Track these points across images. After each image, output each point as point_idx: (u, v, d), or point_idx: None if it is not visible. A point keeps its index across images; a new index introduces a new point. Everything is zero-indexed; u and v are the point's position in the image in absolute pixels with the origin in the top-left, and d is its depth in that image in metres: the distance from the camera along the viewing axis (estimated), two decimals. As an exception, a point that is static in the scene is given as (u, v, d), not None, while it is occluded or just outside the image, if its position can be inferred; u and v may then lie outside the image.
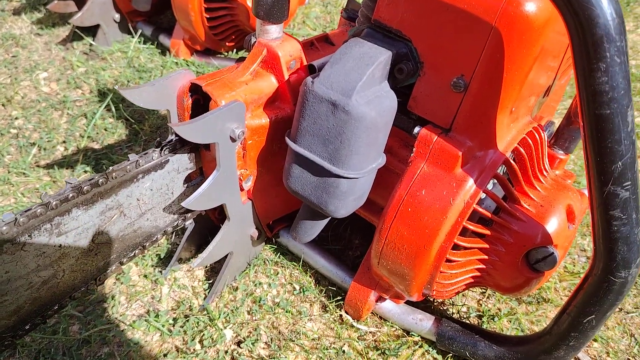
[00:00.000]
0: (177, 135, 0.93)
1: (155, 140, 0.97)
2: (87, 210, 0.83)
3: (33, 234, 0.76)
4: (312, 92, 0.85)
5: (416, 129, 0.90)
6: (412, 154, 0.90)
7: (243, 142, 0.96)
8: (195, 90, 0.96)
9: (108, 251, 0.91)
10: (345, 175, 0.86)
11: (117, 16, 1.84)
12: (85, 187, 0.80)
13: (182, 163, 0.97)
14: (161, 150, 0.91)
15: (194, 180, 1.03)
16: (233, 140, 0.92)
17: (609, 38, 0.63)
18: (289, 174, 0.92)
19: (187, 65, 1.81)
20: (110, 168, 0.84)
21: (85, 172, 1.44)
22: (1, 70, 1.81)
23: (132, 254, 0.97)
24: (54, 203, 0.77)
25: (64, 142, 1.56)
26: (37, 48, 1.90)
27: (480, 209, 0.87)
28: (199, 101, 0.98)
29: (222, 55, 1.85)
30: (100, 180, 0.82)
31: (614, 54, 0.63)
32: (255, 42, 0.97)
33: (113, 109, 1.63)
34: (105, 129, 1.59)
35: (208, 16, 1.65)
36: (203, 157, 1.00)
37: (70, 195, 0.78)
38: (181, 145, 0.94)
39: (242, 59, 1.68)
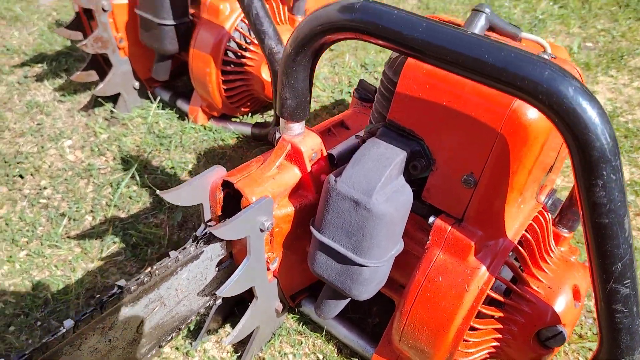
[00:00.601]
0: (211, 227, 1.01)
1: (192, 235, 1.05)
2: (134, 306, 0.91)
3: (88, 334, 0.84)
4: (336, 190, 0.93)
5: (431, 219, 0.98)
6: (428, 241, 0.98)
7: (271, 231, 1.03)
8: (226, 184, 1.04)
9: (149, 338, 0.99)
10: (367, 265, 0.94)
11: (136, 84, 1.94)
12: (132, 287, 0.88)
13: (215, 251, 1.05)
14: (197, 243, 0.99)
15: (224, 264, 1.10)
16: (262, 230, 1.00)
17: (605, 159, 0.71)
18: (314, 260, 1.00)
19: (205, 129, 1.90)
20: (154, 267, 0.92)
21: (114, 242, 1.52)
22: (28, 138, 1.90)
23: (170, 337, 1.04)
24: (107, 305, 0.84)
25: (92, 211, 1.64)
26: (60, 115, 2.00)
27: (493, 294, 0.95)
28: (230, 193, 1.06)
29: (238, 120, 1.94)
30: (145, 279, 0.90)
31: (609, 172, 0.72)
32: (279, 137, 1.06)
33: (137, 177, 1.72)
34: (130, 197, 1.67)
35: (225, 87, 1.75)
36: (234, 245, 1.08)
37: (121, 296, 0.86)
38: (215, 236, 1.02)
39: (257, 124, 1.77)
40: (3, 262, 1.47)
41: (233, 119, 1.93)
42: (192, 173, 1.76)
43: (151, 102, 2.01)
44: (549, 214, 1.05)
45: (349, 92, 2.03)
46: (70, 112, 2.01)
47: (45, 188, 1.72)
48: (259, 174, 1.04)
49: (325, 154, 1.09)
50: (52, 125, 1.95)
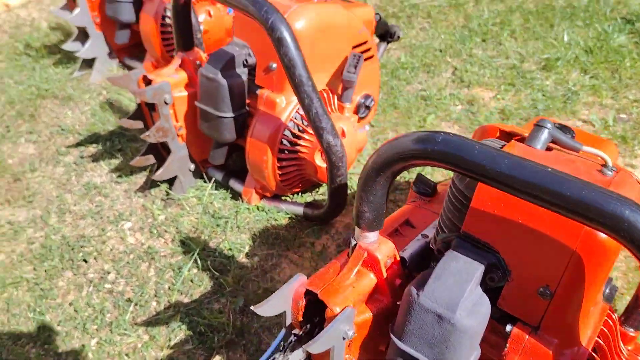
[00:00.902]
0: (295, 335, 1.07)
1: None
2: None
3: None
4: (419, 303, 0.98)
5: (508, 327, 1.03)
6: (506, 348, 1.03)
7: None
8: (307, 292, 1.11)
9: None
10: (450, 375, 0.98)
11: (192, 166, 2.04)
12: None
13: (297, 357, 1.10)
14: (284, 353, 1.05)
15: (304, 366, 1.15)
16: (344, 339, 1.05)
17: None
18: (395, 366, 1.05)
19: (258, 209, 1.98)
20: (250, 381, 0.97)
21: (181, 329, 1.58)
22: (88, 221, 1.99)
23: None
24: None
25: (156, 296, 1.71)
26: (118, 196, 2.09)
27: (574, 404, 0.98)
28: (310, 300, 1.12)
29: (289, 199, 2.02)
30: (243, 393, 0.95)
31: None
32: (355, 244, 1.12)
33: (199, 261, 1.79)
34: (192, 281, 1.74)
35: (280, 172, 1.83)
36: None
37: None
38: (299, 345, 1.08)
39: (309, 205, 1.84)
40: (77, 352, 1.53)
41: (284, 198, 2.01)
42: (249, 255, 1.82)
43: (204, 182, 2.10)
44: (614, 313, 1.10)
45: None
46: (127, 193, 2.10)
47: (109, 272, 1.80)
48: (339, 283, 1.10)
49: (397, 258, 1.15)
50: (111, 207, 2.04)
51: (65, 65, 2.87)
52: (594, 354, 1.01)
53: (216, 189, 2.08)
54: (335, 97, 1.89)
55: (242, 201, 2.00)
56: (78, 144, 2.35)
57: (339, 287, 1.09)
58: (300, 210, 1.91)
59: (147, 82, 1.82)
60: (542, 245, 0.97)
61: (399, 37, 2.48)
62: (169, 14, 2.43)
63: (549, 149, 1.11)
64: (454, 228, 1.10)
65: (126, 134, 2.37)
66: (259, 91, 1.80)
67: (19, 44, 3.14)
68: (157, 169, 1.99)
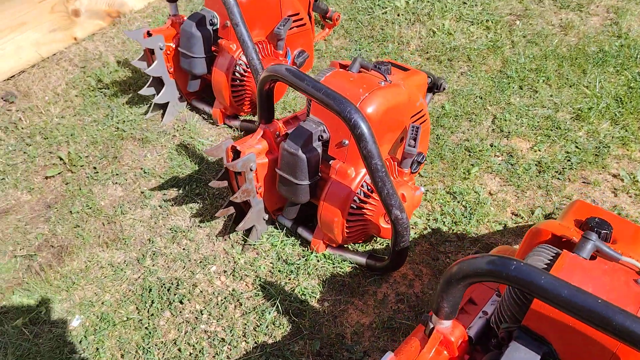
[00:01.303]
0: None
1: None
2: None
3: None
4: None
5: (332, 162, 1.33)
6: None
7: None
8: (395, 364, 1.41)
9: None
10: None
11: (266, 216, 2.35)
12: None
13: (387, 415, 1.41)
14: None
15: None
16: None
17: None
18: None
19: (324, 257, 2.28)
20: None
21: (270, 370, 1.90)
22: (178, 264, 2.32)
23: None
24: None
25: (244, 336, 2.03)
26: (202, 240, 2.41)
27: None
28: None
29: (351, 248, 2.31)
30: None
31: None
32: (433, 328, 1.42)
33: (278, 305, 2.10)
34: (274, 324, 2.06)
35: (347, 230, 2.13)
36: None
37: None
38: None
39: (372, 256, 2.13)
40: (187, 388, 1.87)
41: (347, 246, 2.31)
42: (320, 300, 2.13)
43: (275, 228, 2.41)
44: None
45: (443, 221, 2.39)
46: (210, 237, 2.42)
47: (202, 313, 2.12)
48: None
49: (466, 337, 1.44)
50: (197, 250, 2.36)
51: (137, 105, 3.18)
52: None
53: (286, 236, 2.38)
54: (396, 163, 2.17)
55: (310, 250, 2.30)
56: (160, 187, 2.67)
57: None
58: (363, 260, 2.21)
59: (235, 151, 2.12)
60: (588, 343, 1.26)
61: (444, 88, 2.74)
62: (238, 69, 2.72)
63: (593, 256, 1.39)
64: (514, 319, 1.39)
65: (203, 179, 2.68)
66: (331, 162, 2.09)
67: (90, 79, 3.45)
68: (235, 218, 2.31)
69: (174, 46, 2.87)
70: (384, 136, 2.07)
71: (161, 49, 2.80)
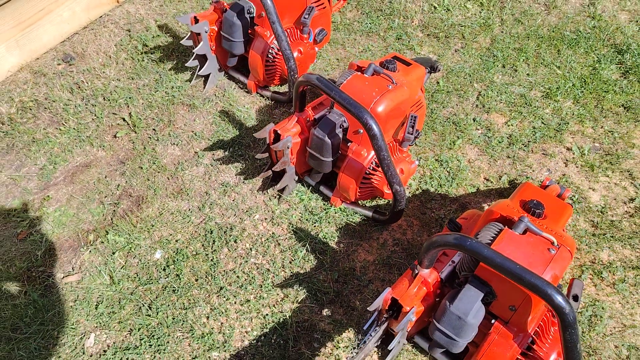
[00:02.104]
0: (384, 317, 2.19)
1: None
2: (359, 356, 2.11)
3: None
4: (450, 309, 2.09)
5: (492, 321, 2.14)
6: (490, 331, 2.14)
7: None
8: None
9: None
10: None
11: (296, 178, 3.08)
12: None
13: (382, 328, 2.23)
14: (377, 326, 2.18)
15: (386, 327, 2.29)
16: (409, 321, 2.17)
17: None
18: None
19: (340, 210, 3.04)
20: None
21: (302, 290, 2.72)
22: (230, 212, 3.08)
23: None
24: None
25: (283, 267, 2.83)
26: (246, 194, 3.16)
27: None
28: (393, 300, 2.22)
29: (363, 205, 3.07)
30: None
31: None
32: (417, 272, 2.20)
33: (307, 246, 2.89)
34: (304, 259, 2.86)
35: (359, 193, 2.88)
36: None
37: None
38: (384, 323, 2.20)
39: (377, 211, 2.90)
40: (242, 302, 2.69)
41: (360, 203, 3.06)
42: (337, 242, 2.92)
43: (302, 186, 3.15)
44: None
45: (431, 184, 3.12)
46: (252, 191, 3.16)
47: (251, 249, 2.92)
48: (409, 294, 2.20)
49: (438, 279, 2.23)
50: (243, 202, 3.12)
51: (182, 71, 3.79)
52: (534, 337, 2.12)
53: (311, 192, 3.12)
54: (397, 144, 2.87)
55: (330, 204, 3.06)
56: (209, 148, 3.37)
57: (408, 296, 2.19)
58: (369, 214, 2.97)
59: (276, 133, 2.81)
60: (512, 287, 2.04)
61: (439, 70, 3.38)
62: (271, 52, 3.34)
63: (525, 231, 2.14)
64: (470, 270, 2.17)
65: (243, 142, 3.38)
66: (349, 144, 2.79)
67: (137, 42, 4.03)
68: (273, 177, 3.05)
69: (216, 29, 3.45)
70: (389, 124, 2.75)
71: (206, 31, 3.39)
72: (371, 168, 2.79)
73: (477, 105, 3.47)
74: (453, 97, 3.53)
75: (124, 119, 3.56)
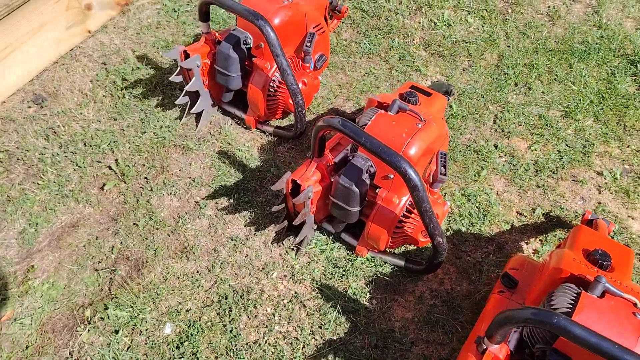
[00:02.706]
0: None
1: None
2: None
3: None
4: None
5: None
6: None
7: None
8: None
9: None
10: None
11: (315, 227, 2.78)
12: None
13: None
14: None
15: None
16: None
17: None
18: None
19: (367, 260, 2.76)
20: None
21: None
22: (244, 271, 2.75)
23: None
24: None
25: (312, 334, 2.53)
26: (259, 247, 2.83)
27: None
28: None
29: (392, 252, 2.79)
30: None
31: None
32: (486, 348, 1.94)
33: (337, 306, 2.59)
34: (335, 322, 2.56)
35: (391, 242, 2.60)
36: None
37: None
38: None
39: (410, 260, 2.63)
40: (278, 381, 2.38)
41: (388, 250, 2.78)
42: (369, 299, 2.63)
43: (320, 234, 2.85)
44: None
45: (462, 223, 2.87)
46: (266, 244, 2.84)
47: (274, 315, 2.60)
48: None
49: (508, 352, 1.98)
50: (257, 258, 2.80)
51: (169, 108, 3.43)
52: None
53: (332, 241, 2.83)
54: (427, 185, 2.61)
55: (355, 255, 2.77)
56: (211, 197, 3.03)
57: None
58: (401, 263, 2.70)
59: (295, 183, 2.51)
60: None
61: (453, 93, 3.14)
62: (272, 85, 3.02)
63: (603, 294, 1.91)
64: (546, 341, 1.92)
65: (249, 187, 3.05)
66: (378, 190, 2.51)
67: (115, 78, 3.65)
68: (289, 228, 2.75)
69: (209, 62, 3.11)
70: (419, 166, 2.48)
71: (198, 66, 3.04)
72: (403, 215, 2.51)
73: (495, 130, 3.25)
74: (469, 122, 3.29)
75: (110, 168, 3.18)
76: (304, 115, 2.97)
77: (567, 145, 3.16)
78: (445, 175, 2.49)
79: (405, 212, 2.52)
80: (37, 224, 2.95)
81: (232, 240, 2.85)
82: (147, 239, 2.87)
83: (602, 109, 3.31)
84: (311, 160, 2.55)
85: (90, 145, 3.29)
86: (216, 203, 3.01)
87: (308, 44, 3.02)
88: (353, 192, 2.43)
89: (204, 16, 3.00)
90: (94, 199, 3.05)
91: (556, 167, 3.07)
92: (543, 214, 2.89)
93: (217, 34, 3.10)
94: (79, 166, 3.20)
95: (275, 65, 2.98)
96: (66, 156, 3.25)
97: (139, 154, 3.23)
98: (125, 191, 3.07)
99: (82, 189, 3.10)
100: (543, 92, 3.42)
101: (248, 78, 3.10)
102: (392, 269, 2.73)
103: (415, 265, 2.66)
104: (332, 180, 2.55)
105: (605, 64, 3.55)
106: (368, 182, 2.49)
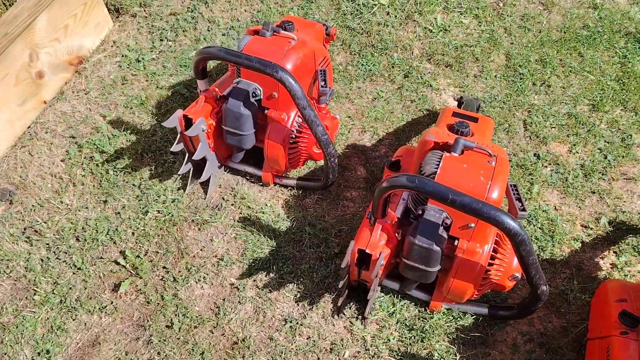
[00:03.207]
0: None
1: None
2: None
3: None
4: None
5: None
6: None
7: None
8: None
9: None
10: None
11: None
12: None
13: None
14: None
15: None
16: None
17: None
18: None
19: (444, 314, 2.46)
20: None
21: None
22: (311, 356, 2.39)
23: None
24: None
25: None
26: (319, 324, 2.47)
27: None
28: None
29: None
30: None
31: None
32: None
33: (432, 380, 2.29)
34: None
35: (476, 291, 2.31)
36: None
37: None
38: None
39: (494, 307, 2.35)
40: None
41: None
42: (460, 359, 2.34)
43: (382, 293, 2.52)
44: None
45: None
46: (325, 319, 2.49)
47: (361, 403, 2.26)
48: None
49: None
50: (321, 337, 2.44)
51: (165, 177, 2.99)
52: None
53: (396, 298, 2.51)
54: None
55: (430, 310, 2.46)
56: (246, 274, 2.63)
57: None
58: (484, 311, 2.42)
59: (363, 253, 2.16)
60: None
61: (482, 108, 2.89)
62: (292, 137, 2.66)
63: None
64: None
65: (287, 255, 2.68)
66: (457, 242, 2.21)
67: (91, 152, 3.15)
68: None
69: (214, 123, 2.70)
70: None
71: (204, 131, 2.63)
72: (488, 264, 2.23)
73: (529, 137, 3.03)
74: (501, 134, 3.05)
75: (117, 263, 2.72)
76: (336, 165, 2.62)
77: (605, 141, 2.99)
78: (524, 210, 2.22)
79: (489, 261, 2.23)
80: (47, 351, 2.46)
81: (286, 322, 2.48)
82: (187, 342, 2.45)
83: (627, 95, 3.16)
84: (373, 222, 2.21)
85: (85, 240, 2.79)
86: (254, 281, 2.62)
87: (323, 84, 2.66)
88: (434, 252, 2.12)
89: (202, 73, 2.58)
90: (109, 306, 2.58)
91: (604, 168, 2.88)
92: (609, 222, 2.69)
93: (216, 90, 2.68)
94: (79, 268, 2.71)
95: (293, 115, 2.62)
96: (59, 259, 2.74)
97: (147, 239, 2.78)
98: (145, 288, 2.62)
99: (90, 295, 2.62)
100: (563, 88, 3.23)
101: (261, 132, 2.71)
102: (474, 319, 2.44)
103: (504, 312, 2.38)
104: (399, 238, 2.24)
105: (613, 47, 3.40)
106: (445, 235, 2.18)
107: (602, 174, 2.86)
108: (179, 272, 2.66)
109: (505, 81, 3.29)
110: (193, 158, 2.67)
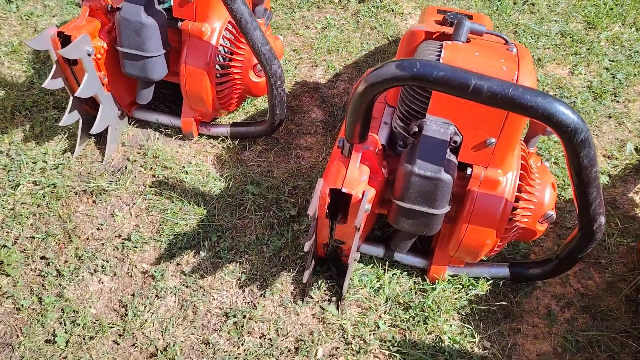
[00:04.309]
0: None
1: None
2: None
3: None
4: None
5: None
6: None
7: None
8: None
9: None
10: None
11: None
12: None
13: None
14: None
15: None
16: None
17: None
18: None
19: (450, 283, 1.77)
20: None
21: None
22: (268, 362, 1.63)
23: None
24: None
25: None
26: (278, 315, 1.73)
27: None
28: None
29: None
30: None
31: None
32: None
33: (448, 376, 1.58)
34: None
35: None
36: None
37: None
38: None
39: (515, 263, 1.69)
40: None
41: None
42: (479, 342, 1.65)
43: (362, 263, 1.81)
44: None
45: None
46: (285, 307, 1.74)
47: None
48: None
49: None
50: (281, 334, 1.69)
51: (46, 138, 2.16)
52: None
53: (382, 270, 1.80)
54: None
55: (431, 280, 1.77)
56: (166, 257, 1.85)
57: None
58: (506, 272, 1.75)
59: (337, 195, 1.43)
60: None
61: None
62: (220, 59, 1.90)
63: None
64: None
65: (222, 226, 1.91)
66: (469, 169, 1.52)
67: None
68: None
69: (106, 45, 1.89)
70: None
71: (89, 54, 1.82)
72: (514, 199, 1.56)
73: (521, 61, 2.41)
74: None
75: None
76: (284, 93, 1.89)
77: (610, 60, 2.43)
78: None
79: (516, 194, 1.55)
80: None
81: (228, 317, 1.71)
82: (76, 363, 1.61)
83: (623, 7, 2.63)
84: (349, 151, 1.48)
85: None
86: (178, 265, 1.83)
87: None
88: (442, 182, 1.42)
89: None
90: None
91: (615, 89, 2.32)
92: (636, 149, 2.11)
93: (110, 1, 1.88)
94: None
95: (219, 28, 1.86)
96: None
97: (17, 222, 1.92)
98: (13, 290, 1.76)
99: None
100: (549, 6, 2.67)
101: (175, 59, 1.94)
102: (491, 285, 1.76)
103: (535, 269, 1.71)
104: (386, 174, 1.53)
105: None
106: (456, 161, 1.49)
107: (615, 95, 2.29)
108: (66, 262, 1.82)
109: (481, 1, 2.67)
110: (77, 94, 1.84)
